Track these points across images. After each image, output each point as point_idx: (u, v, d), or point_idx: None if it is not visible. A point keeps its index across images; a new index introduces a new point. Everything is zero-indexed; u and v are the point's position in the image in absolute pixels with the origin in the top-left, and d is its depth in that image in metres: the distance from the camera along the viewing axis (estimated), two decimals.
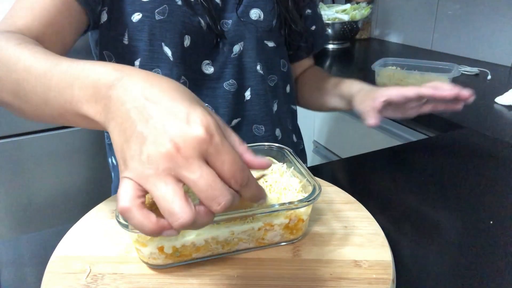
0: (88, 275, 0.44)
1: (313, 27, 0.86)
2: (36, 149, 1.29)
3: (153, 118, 0.31)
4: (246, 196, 0.32)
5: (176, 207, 0.29)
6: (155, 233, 0.30)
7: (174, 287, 0.43)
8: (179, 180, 0.29)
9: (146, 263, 0.45)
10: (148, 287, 0.43)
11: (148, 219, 0.29)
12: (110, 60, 0.70)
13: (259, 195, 0.34)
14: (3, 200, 1.31)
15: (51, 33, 0.57)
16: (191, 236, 0.44)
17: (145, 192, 0.30)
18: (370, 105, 0.68)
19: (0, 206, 1.31)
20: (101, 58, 0.71)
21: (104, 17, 0.66)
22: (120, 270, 0.45)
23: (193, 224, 0.29)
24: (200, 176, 0.29)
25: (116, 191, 0.84)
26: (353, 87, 0.77)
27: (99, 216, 0.55)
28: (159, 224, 0.30)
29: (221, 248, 0.46)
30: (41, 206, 1.36)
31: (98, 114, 0.35)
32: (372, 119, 0.67)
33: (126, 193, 0.30)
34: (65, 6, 0.58)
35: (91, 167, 1.40)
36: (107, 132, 0.82)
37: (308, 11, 0.84)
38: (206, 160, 0.30)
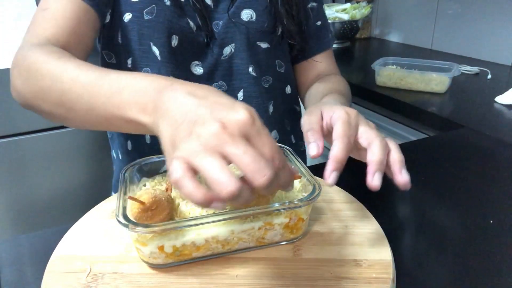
0: (88, 274, 0.44)
1: (319, 23, 0.82)
2: (36, 149, 1.30)
3: (201, 107, 0.34)
4: (281, 179, 0.35)
5: (224, 177, 0.31)
6: (204, 203, 0.32)
7: (174, 286, 0.43)
8: (225, 156, 0.32)
9: (147, 262, 0.45)
10: (148, 286, 0.43)
11: (199, 189, 0.32)
12: (109, 59, 0.71)
13: (291, 181, 0.37)
14: (3, 199, 1.31)
15: (75, 41, 0.60)
16: (192, 236, 0.44)
17: (194, 169, 0.32)
18: (314, 121, 0.50)
19: (0, 206, 1.31)
20: (102, 57, 0.72)
21: (107, 18, 0.67)
22: (120, 269, 0.45)
23: (238, 196, 0.31)
24: (245, 151, 0.32)
25: (116, 185, 0.85)
26: (324, 99, 0.65)
27: (99, 216, 0.55)
28: (208, 194, 0.32)
29: (221, 248, 0.46)
30: (41, 206, 1.36)
31: (146, 116, 0.39)
32: (314, 150, 0.48)
33: (178, 167, 0.32)
34: (84, 13, 0.61)
35: (91, 167, 1.40)
36: None
37: (313, 4, 0.81)
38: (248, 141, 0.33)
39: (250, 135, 0.33)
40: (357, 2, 1.84)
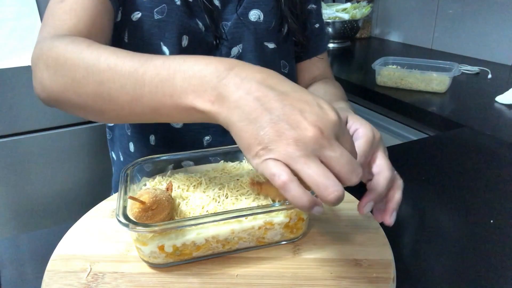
0: (88, 274, 0.44)
1: (317, 25, 0.83)
2: (37, 148, 1.30)
3: (286, 106, 0.34)
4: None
5: (330, 183, 0.32)
6: (309, 207, 0.33)
7: (174, 286, 0.43)
8: (321, 159, 0.33)
9: (147, 262, 0.45)
10: (148, 286, 0.43)
11: (306, 193, 0.33)
12: None
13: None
14: (4, 199, 1.31)
15: (95, 33, 0.57)
16: (192, 235, 0.44)
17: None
18: None
19: (1, 205, 1.31)
20: None
21: (119, 16, 0.66)
22: (121, 269, 0.45)
23: (340, 199, 0.33)
24: (341, 153, 0.34)
25: (116, 185, 0.85)
26: (340, 105, 0.65)
27: (100, 215, 0.55)
28: (314, 199, 0.33)
29: (222, 247, 0.46)
30: (42, 205, 1.36)
31: (209, 104, 0.36)
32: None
33: (282, 170, 0.33)
34: (103, 4, 0.59)
35: (91, 166, 1.40)
36: (109, 128, 0.82)
37: (313, 6, 0.81)
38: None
39: (340, 135, 0.34)
40: (358, 2, 1.84)
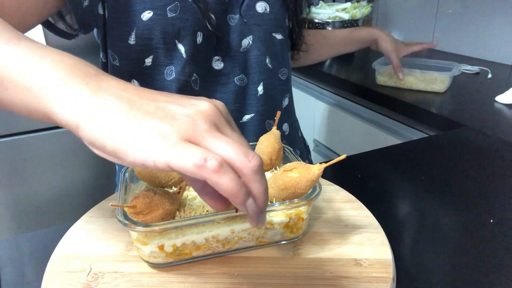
0: (88, 273, 0.44)
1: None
2: (37, 148, 1.30)
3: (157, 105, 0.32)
4: None
5: (244, 147, 0.30)
6: (244, 197, 0.30)
7: (174, 285, 0.43)
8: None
9: (147, 261, 0.45)
10: (148, 285, 0.43)
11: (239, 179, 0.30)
12: (113, 61, 0.69)
13: None
14: (4, 198, 1.31)
15: (10, 6, 0.53)
16: (192, 235, 0.44)
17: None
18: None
19: (1, 205, 1.32)
20: (105, 57, 0.71)
21: (99, 9, 0.64)
22: (121, 268, 0.45)
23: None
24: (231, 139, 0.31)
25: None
26: (372, 32, 1.13)
27: (100, 215, 0.55)
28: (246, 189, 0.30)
29: (222, 247, 0.46)
30: (42, 205, 1.37)
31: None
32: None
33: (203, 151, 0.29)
34: None
35: (91, 166, 1.40)
36: None
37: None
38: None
39: (220, 126, 0.32)
40: (358, 1, 1.84)
